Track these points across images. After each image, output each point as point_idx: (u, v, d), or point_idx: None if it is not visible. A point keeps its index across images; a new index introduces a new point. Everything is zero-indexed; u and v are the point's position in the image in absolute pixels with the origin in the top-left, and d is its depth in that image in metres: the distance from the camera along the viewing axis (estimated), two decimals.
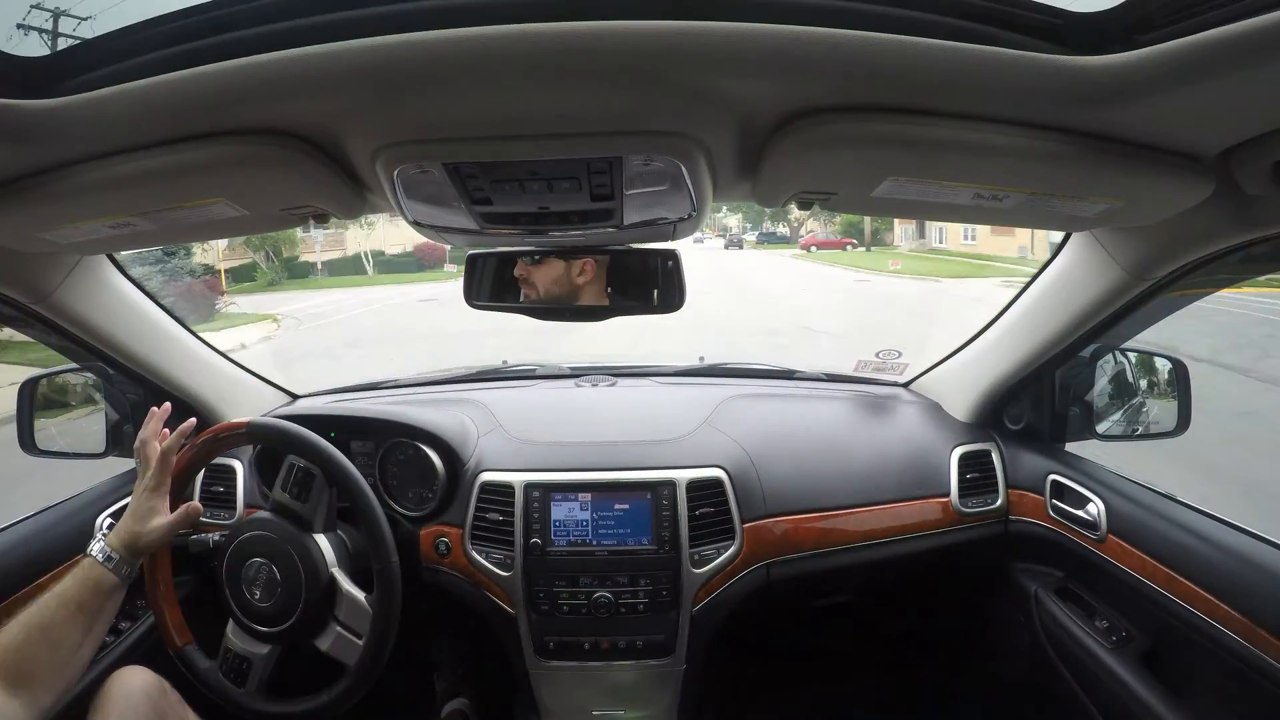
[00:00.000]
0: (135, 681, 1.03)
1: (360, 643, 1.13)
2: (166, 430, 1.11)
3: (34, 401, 1.44)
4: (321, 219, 0.91)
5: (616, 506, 1.31)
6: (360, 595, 1.15)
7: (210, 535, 1.23)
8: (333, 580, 1.15)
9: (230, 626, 1.19)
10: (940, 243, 24.18)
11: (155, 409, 1.14)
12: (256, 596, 1.14)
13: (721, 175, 0.81)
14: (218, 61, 0.59)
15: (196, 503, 1.13)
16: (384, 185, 0.77)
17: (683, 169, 0.74)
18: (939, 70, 0.58)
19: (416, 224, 0.91)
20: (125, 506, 1.35)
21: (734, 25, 0.55)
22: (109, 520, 1.33)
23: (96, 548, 1.00)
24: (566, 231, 0.95)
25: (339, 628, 1.14)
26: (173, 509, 1.06)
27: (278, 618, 1.13)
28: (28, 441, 1.44)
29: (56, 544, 1.24)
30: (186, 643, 1.17)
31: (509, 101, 0.63)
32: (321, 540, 1.17)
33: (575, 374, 1.82)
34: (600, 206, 0.83)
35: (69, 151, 0.72)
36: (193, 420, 1.12)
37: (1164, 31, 0.54)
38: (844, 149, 0.69)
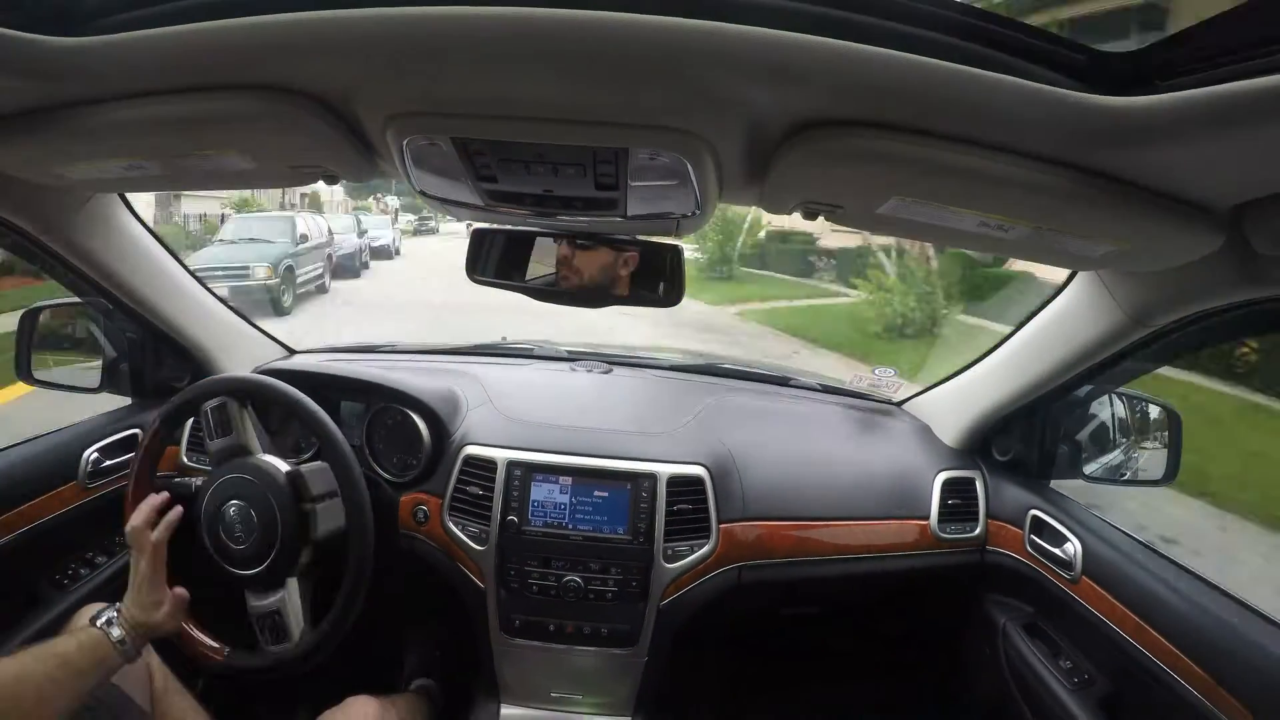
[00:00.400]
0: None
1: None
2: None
3: (34, 331, 1.45)
4: (330, 179, 0.91)
5: (596, 493, 1.32)
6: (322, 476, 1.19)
7: (193, 480, 1.25)
8: (294, 482, 1.17)
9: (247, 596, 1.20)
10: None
11: (152, 498, 1.10)
12: (236, 538, 1.15)
13: (728, 177, 0.81)
14: (241, 16, 0.59)
15: (182, 589, 1.11)
16: (393, 153, 0.77)
17: (689, 167, 0.74)
18: (955, 94, 0.58)
19: (423, 194, 0.91)
20: (113, 443, 1.38)
21: (754, 30, 0.54)
22: (95, 455, 1.34)
23: (115, 633, 0.99)
24: (572, 216, 0.95)
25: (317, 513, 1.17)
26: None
27: (260, 554, 1.14)
28: (24, 370, 1.45)
29: (41, 474, 1.26)
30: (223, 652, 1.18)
31: (522, 84, 0.63)
32: (278, 463, 1.19)
33: (572, 358, 1.82)
34: (604, 195, 0.83)
35: (87, 90, 0.72)
36: (179, 510, 1.11)
37: (1187, 79, 0.54)
38: (853, 163, 0.69)
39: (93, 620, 1.00)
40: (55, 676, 0.91)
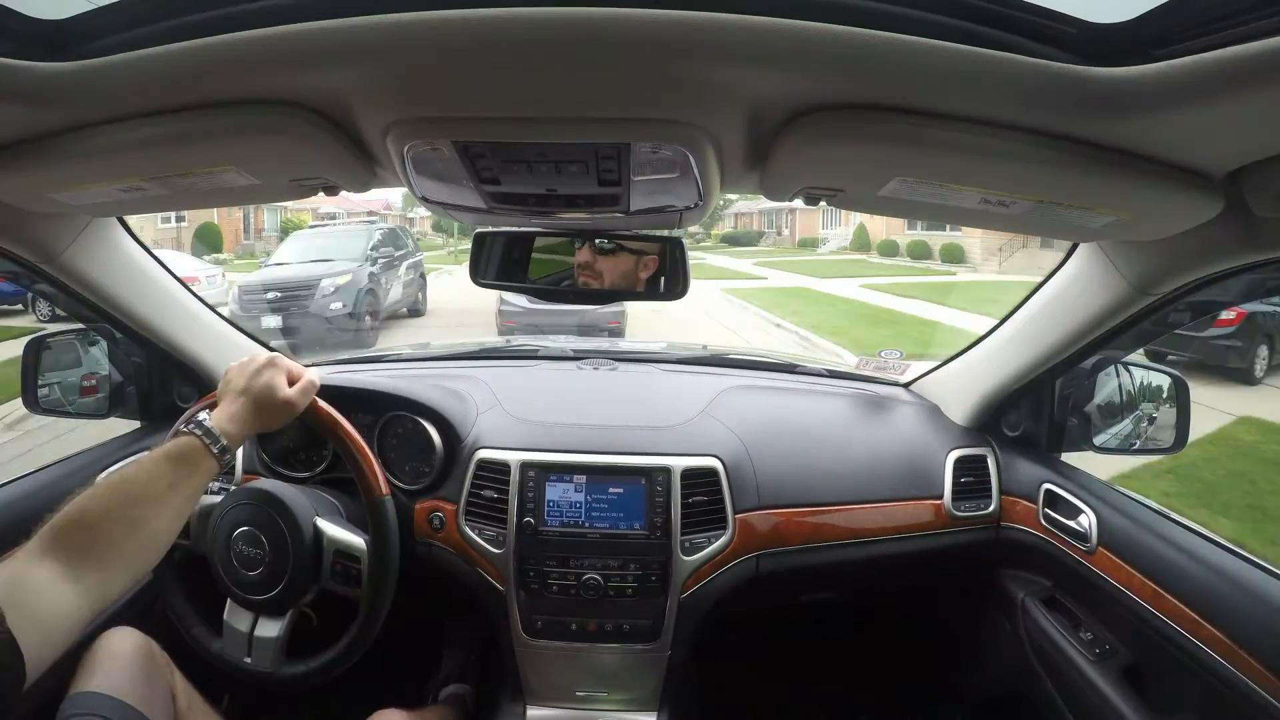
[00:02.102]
0: (124, 643, 1.03)
1: (356, 593, 1.15)
2: None
3: (39, 360, 1.45)
4: (331, 190, 0.92)
5: (611, 490, 1.32)
6: (351, 537, 1.17)
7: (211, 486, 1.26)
8: (317, 531, 1.16)
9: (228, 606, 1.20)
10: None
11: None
12: (247, 563, 1.15)
13: (729, 166, 0.81)
14: (234, 31, 0.59)
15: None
16: (394, 161, 0.77)
17: (690, 158, 0.74)
18: (951, 73, 0.58)
19: (425, 200, 0.91)
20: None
21: (750, 18, 0.55)
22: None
23: (203, 426, 0.93)
24: (573, 214, 0.95)
25: (331, 580, 1.16)
26: None
27: (272, 582, 1.15)
28: (31, 399, 1.45)
29: (57, 501, 1.26)
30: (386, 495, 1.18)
31: (521, 84, 0.63)
32: (298, 493, 1.19)
33: (577, 356, 1.82)
34: (607, 191, 0.84)
35: (83, 114, 0.72)
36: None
37: (1180, 47, 0.54)
38: (852, 147, 0.70)
39: (183, 427, 0.95)
40: (149, 495, 0.84)
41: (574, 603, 1.30)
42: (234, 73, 0.64)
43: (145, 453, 0.90)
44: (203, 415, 0.97)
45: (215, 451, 0.93)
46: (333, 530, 1.17)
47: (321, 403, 1.14)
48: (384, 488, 1.17)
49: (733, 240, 32.06)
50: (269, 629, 1.17)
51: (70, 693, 0.95)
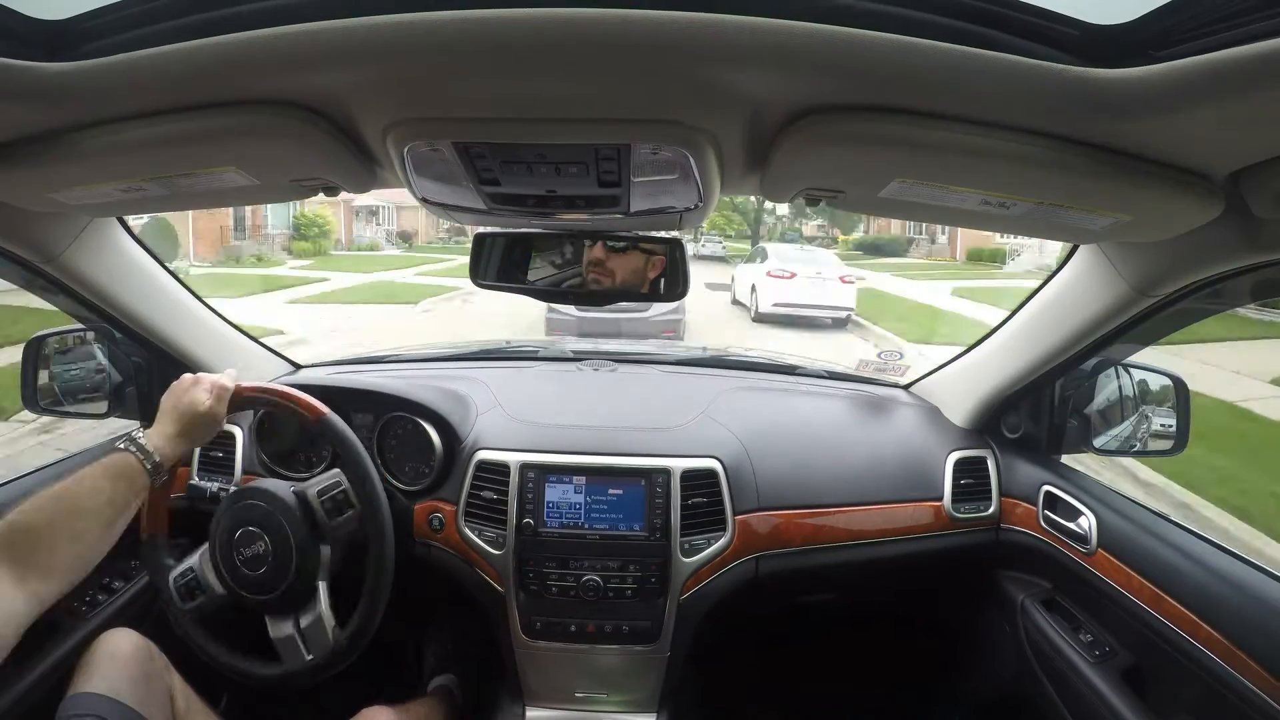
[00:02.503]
0: (123, 644, 1.04)
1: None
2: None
3: (39, 359, 1.45)
4: (331, 191, 0.91)
5: (610, 491, 1.32)
6: (324, 478, 1.21)
7: (209, 485, 1.27)
8: (297, 495, 1.18)
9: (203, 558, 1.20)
10: None
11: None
12: (254, 563, 1.15)
13: (730, 167, 0.81)
14: (235, 32, 0.59)
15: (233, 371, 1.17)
16: (394, 161, 0.77)
17: (690, 159, 0.74)
18: (951, 74, 0.58)
19: (425, 201, 0.91)
20: None
21: (750, 19, 0.55)
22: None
23: (136, 442, 0.99)
24: (573, 215, 0.95)
25: (329, 523, 1.18)
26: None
27: (283, 568, 1.15)
28: (31, 398, 1.45)
29: None
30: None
31: (522, 85, 0.63)
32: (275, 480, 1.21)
33: (577, 357, 1.82)
34: (607, 192, 0.84)
35: (84, 114, 0.72)
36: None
37: (1181, 48, 0.54)
38: (853, 148, 0.69)
39: (118, 444, 1.00)
40: (86, 507, 0.90)
41: (573, 604, 1.30)
42: (234, 73, 0.64)
43: (84, 468, 0.94)
44: (138, 434, 1.02)
45: (149, 468, 0.99)
46: (308, 485, 1.20)
47: (242, 385, 1.17)
48: (319, 409, 1.20)
49: (874, 249, 26.71)
50: (311, 615, 1.17)
51: (69, 693, 0.95)
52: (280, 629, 1.18)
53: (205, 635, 1.20)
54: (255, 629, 1.19)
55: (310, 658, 1.16)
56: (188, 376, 1.12)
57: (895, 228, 28.51)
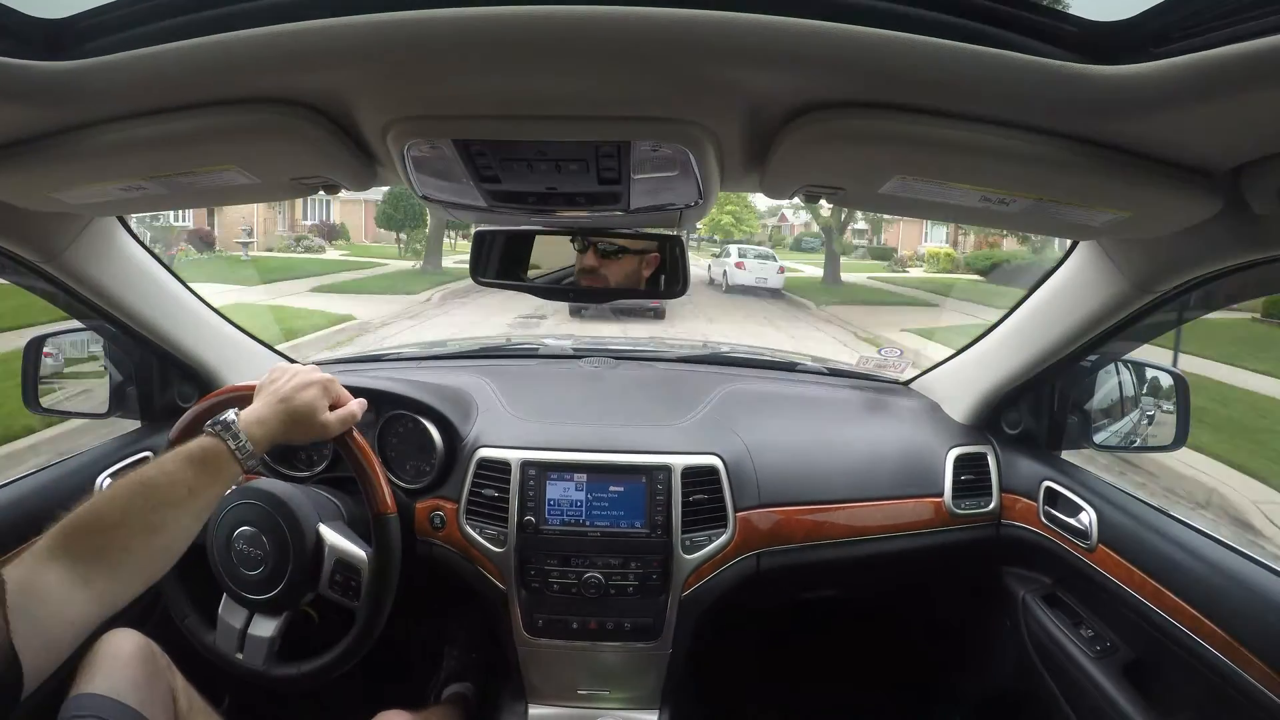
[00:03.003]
0: (125, 644, 1.03)
1: (354, 604, 1.15)
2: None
3: (39, 360, 1.45)
4: (331, 189, 0.91)
5: (611, 488, 1.32)
6: (353, 548, 1.16)
7: None
8: (319, 537, 1.16)
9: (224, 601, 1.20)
10: None
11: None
12: (246, 562, 1.15)
13: (730, 164, 0.81)
14: (234, 30, 0.59)
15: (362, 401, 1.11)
16: (394, 159, 0.77)
17: (690, 156, 0.74)
18: (950, 71, 0.58)
19: (425, 198, 0.92)
20: (126, 468, 1.38)
21: (750, 16, 0.55)
22: (108, 480, 1.34)
23: (230, 429, 0.90)
24: (573, 212, 0.96)
25: (329, 589, 1.16)
26: None
27: (270, 583, 1.14)
28: (31, 399, 1.45)
29: (56, 501, 1.25)
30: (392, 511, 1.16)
31: (521, 82, 0.63)
32: (303, 496, 1.18)
33: (578, 354, 1.82)
34: (607, 189, 0.84)
35: (83, 114, 0.72)
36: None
37: (1180, 45, 0.54)
38: (853, 145, 0.70)
39: (208, 427, 0.92)
40: (168, 499, 0.81)
41: (575, 601, 1.30)
42: (234, 72, 0.64)
43: (166, 453, 0.88)
44: (230, 415, 0.94)
45: (239, 456, 0.90)
46: (335, 539, 1.16)
47: (357, 436, 1.14)
48: (390, 504, 1.16)
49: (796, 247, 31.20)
50: (263, 628, 1.17)
51: (71, 694, 0.95)
52: (231, 613, 1.18)
53: (183, 597, 1.21)
54: (211, 587, 1.20)
55: (238, 657, 1.17)
56: (315, 375, 1.05)
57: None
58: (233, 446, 0.90)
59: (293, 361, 1.69)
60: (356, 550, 1.15)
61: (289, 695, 1.55)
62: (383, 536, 1.15)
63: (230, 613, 1.19)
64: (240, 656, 1.17)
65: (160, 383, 1.54)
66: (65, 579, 0.72)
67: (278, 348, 1.73)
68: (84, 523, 0.76)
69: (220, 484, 0.89)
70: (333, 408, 1.07)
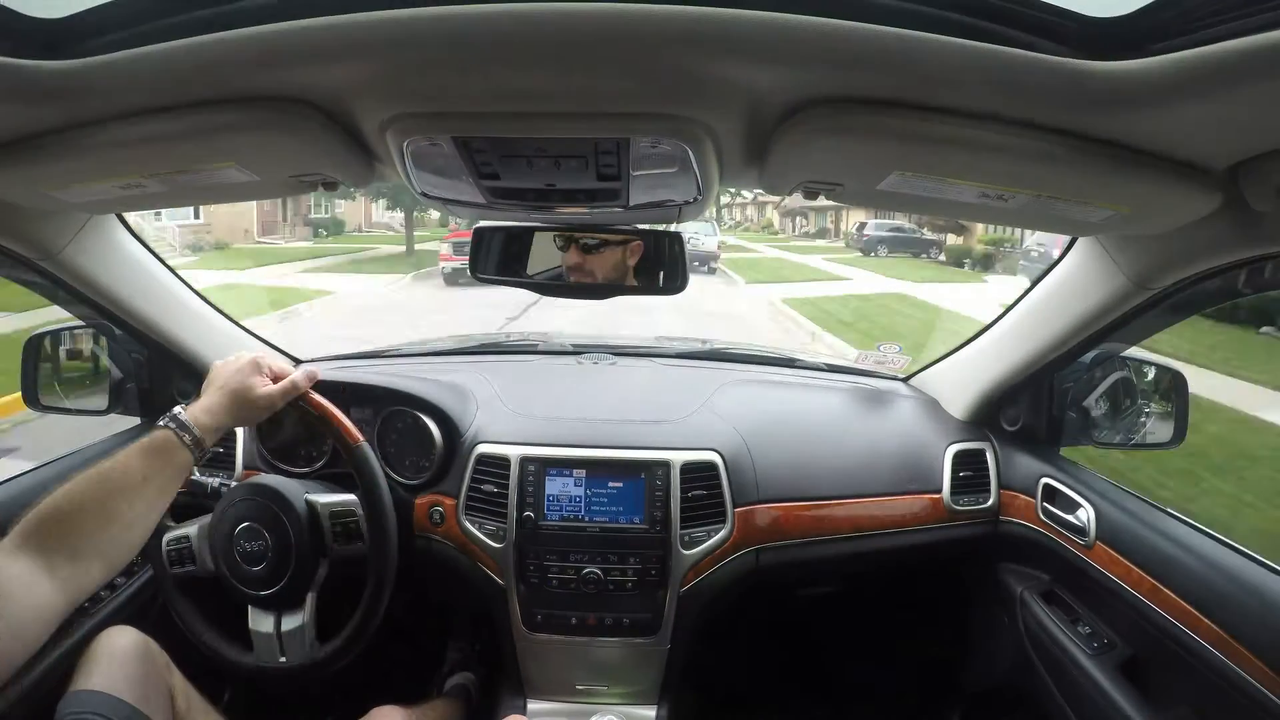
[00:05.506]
0: (123, 641, 1.03)
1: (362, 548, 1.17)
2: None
3: (39, 356, 1.45)
4: (330, 186, 0.91)
5: (610, 484, 1.32)
6: (341, 496, 1.19)
7: (210, 480, 1.27)
8: (308, 504, 1.18)
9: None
10: None
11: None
12: (252, 559, 1.16)
13: (729, 160, 0.81)
14: (234, 28, 0.59)
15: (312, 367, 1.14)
16: (393, 156, 0.77)
17: (690, 153, 0.74)
18: (950, 67, 0.58)
19: (424, 195, 0.92)
20: None
21: (750, 13, 0.55)
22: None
23: (177, 419, 0.95)
24: (573, 209, 0.96)
25: (334, 543, 1.18)
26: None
27: (280, 570, 1.15)
28: (31, 395, 1.45)
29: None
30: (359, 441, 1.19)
31: (521, 79, 0.64)
32: (287, 479, 1.21)
33: (577, 350, 1.82)
34: (606, 186, 0.84)
35: (82, 112, 0.72)
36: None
37: (1178, 41, 0.54)
38: (851, 141, 0.70)
39: (157, 422, 0.97)
40: (121, 487, 0.86)
41: (574, 596, 1.31)
42: (233, 70, 0.64)
43: (123, 448, 0.92)
44: (178, 409, 0.98)
45: (187, 442, 0.95)
46: (323, 498, 1.19)
47: (315, 396, 1.16)
48: (356, 436, 1.18)
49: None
50: (293, 621, 1.18)
51: (69, 691, 0.96)
52: (261, 623, 1.19)
53: (186, 604, 1.21)
54: (236, 611, 1.20)
55: (283, 660, 1.18)
56: (245, 356, 1.09)
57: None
58: (180, 434, 0.95)
59: (294, 360, 1.69)
60: (345, 496, 1.19)
61: (289, 691, 1.55)
62: (361, 467, 1.17)
63: (260, 622, 1.19)
64: (285, 659, 1.18)
65: (160, 379, 1.54)
66: (30, 569, 0.75)
67: (274, 342, 1.73)
68: (45, 514, 0.80)
69: (172, 470, 0.94)
70: (275, 380, 1.10)
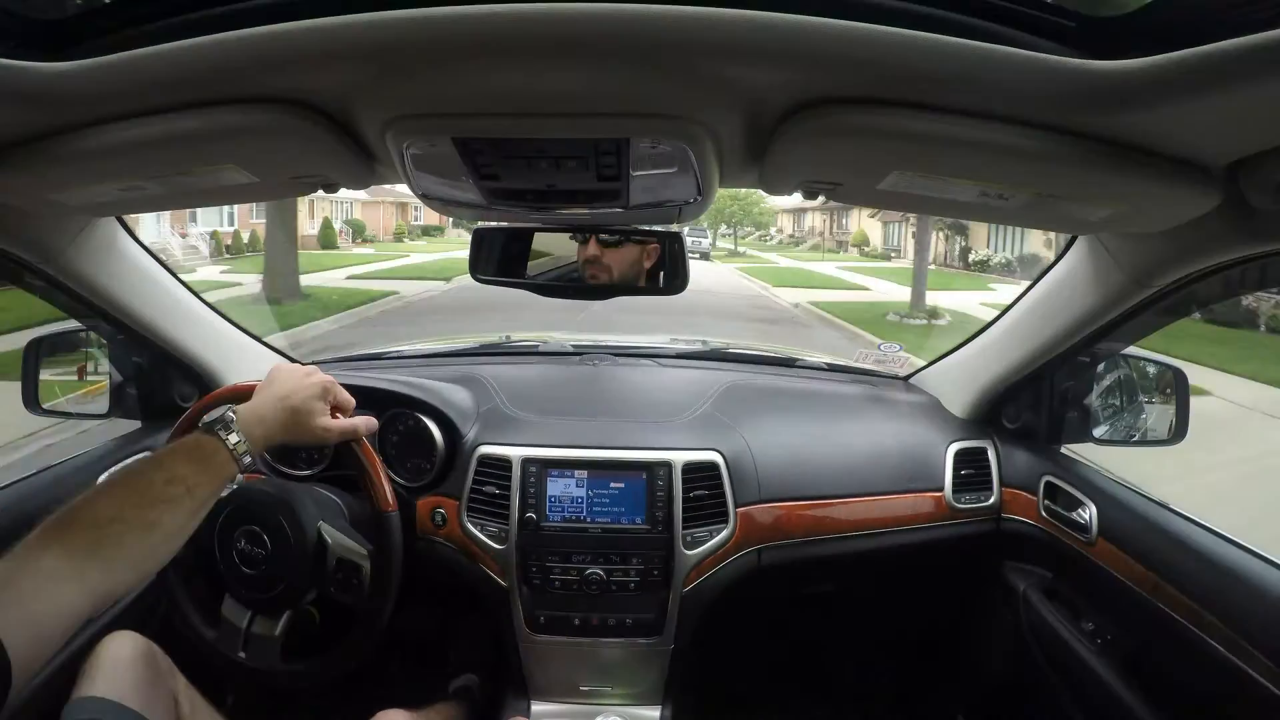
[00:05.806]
0: (126, 647, 1.02)
1: (357, 602, 1.15)
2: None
3: (39, 360, 1.45)
4: (330, 188, 0.92)
5: (612, 485, 1.32)
6: (354, 546, 1.15)
7: None
8: (320, 536, 1.15)
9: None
10: None
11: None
12: (247, 561, 1.15)
13: (729, 160, 0.81)
14: (234, 29, 0.59)
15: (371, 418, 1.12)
16: (393, 157, 0.77)
17: (690, 153, 0.74)
18: (950, 67, 0.58)
19: (424, 196, 0.92)
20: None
21: (749, 13, 0.55)
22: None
23: (232, 436, 0.89)
24: (572, 209, 0.96)
25: (331, 587, 1.15)
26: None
27: (271, 582, 1.14)
28: (31, 400, 1.45)
29: (57, 503, 1.26)
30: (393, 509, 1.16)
31: (521, 80, 0.63)
32: (304, 495, 1.18)
33: (578, 352, 1.82)
34: (606, 186, 0.84)
35: (82, 114, 0.72)
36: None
37: (1178, 39, 0.54)
38: (851, 140, 0.70)
39: (205, 427, 0.91)
40: (164, 497, 0.81)
41: (577, 597, 1.31)
42: (233, 71, 0.64)
43: (163, 449, 0.88)
44: (228, 413, 0.93)
45: (236, 455, 0.90)
46: (337, 537, 1.15)
47: (368, 445, 1.14)
48: (391, 502, 1.16)
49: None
50: (266, 627, 1.16)
51: (72, 697, 0.95)
52: (233, 612, 1.17)
53: (185, 594, 1.20)
54: (214, 589, 1.20)
55: (242, 655, 1.16)
56: (318, 377, 1.04)
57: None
58: (230, 444, 0.89)
59: (295, 361, 1.69)
60: (358, 548, 1.15)
61: (292, 694, 1.55)
62: (384, 534, 1.15)
63: (232, 611, 1.18)
64: (243, 655, 1.17)
65: (160, 382, 1.54)
66: (57, 571, 0.71)
67: (278, 347, 1.73)
68: (78, 517, 0.76)
69: (217, 482, 0.89)
70: (334, 410, 1.07)
